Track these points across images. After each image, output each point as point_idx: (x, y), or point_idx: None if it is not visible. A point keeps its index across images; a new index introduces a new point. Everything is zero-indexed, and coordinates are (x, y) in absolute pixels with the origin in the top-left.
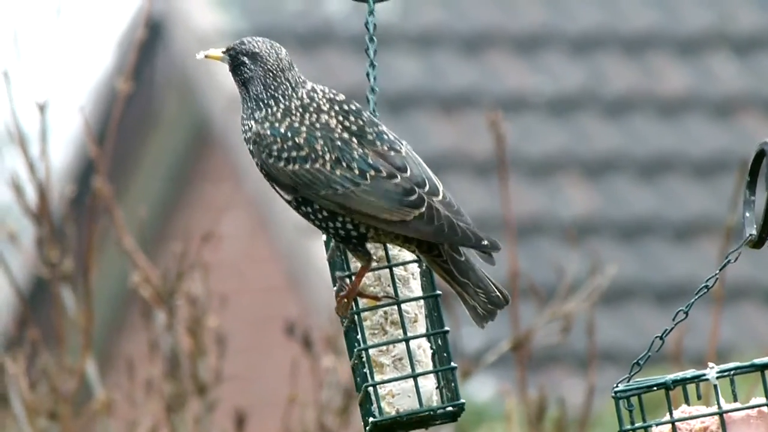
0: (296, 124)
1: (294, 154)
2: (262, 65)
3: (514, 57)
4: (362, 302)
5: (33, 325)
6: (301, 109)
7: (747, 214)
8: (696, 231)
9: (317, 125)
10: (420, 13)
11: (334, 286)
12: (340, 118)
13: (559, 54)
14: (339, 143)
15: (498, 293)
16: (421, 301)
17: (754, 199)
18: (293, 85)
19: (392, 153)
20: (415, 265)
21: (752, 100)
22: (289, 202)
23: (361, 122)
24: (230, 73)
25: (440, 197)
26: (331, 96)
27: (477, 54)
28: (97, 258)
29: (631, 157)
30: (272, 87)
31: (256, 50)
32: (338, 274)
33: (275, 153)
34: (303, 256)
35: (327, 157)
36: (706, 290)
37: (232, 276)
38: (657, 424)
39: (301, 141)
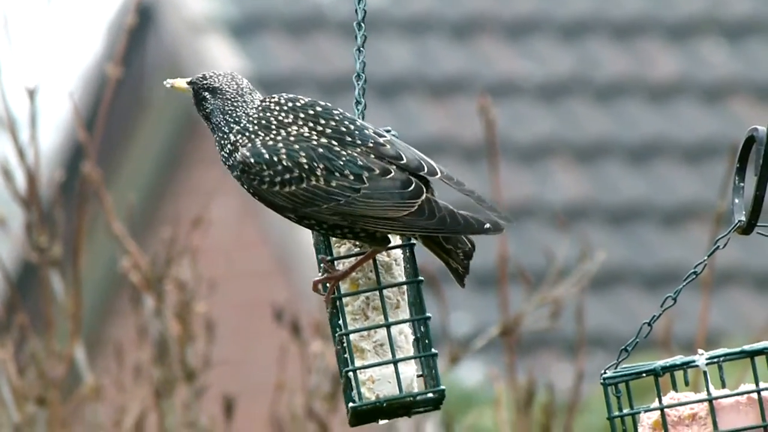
0: (270, 142)
1: (287, 176)
2: (221, 97)
3: (505, 42)
4: (344, 287)
5: (21, 310)
6: (265, 127)
7: (736, 200)
8: (686, 216)
9: (291, 138)
10: None
11: (320, 271)
12: (310, 124)
13: (549, 39)
14: (321, 150)
15: (470, 247)
16: (404, 288)
17: (743, 186)
18: (251, 106)
19: (381, 147)
20: (398, 251)
21: (743, 86)
22: (288, 218)
23: (333, 123)
24: (194, 106)
25: (439, 174)
26: (291, 104)
27: (467, 39)
28: (86, 243)
29: (621, 142)
30: (230, 113)
31: (216, 85)
32: (321, 257)
33: (267, 179)
34: (292, 241)
35: (318, 172)
36: (694, 276)
37: (220, 261)
38: (645, 411)
39: (286, 161)
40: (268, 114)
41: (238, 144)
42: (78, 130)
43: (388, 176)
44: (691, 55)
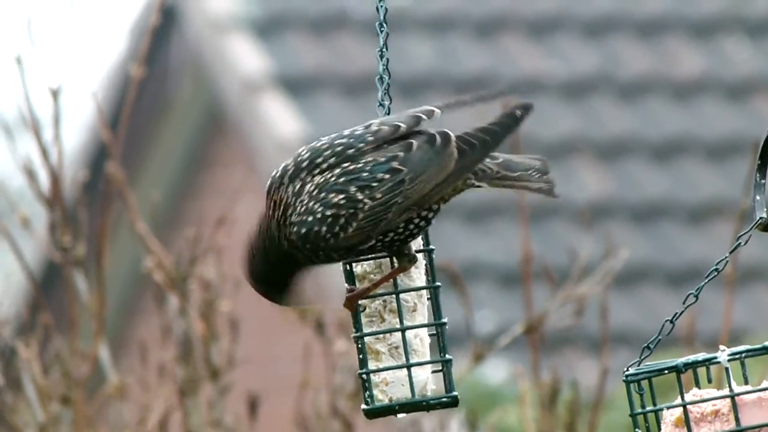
0: (302, 209)
1: (342, 221)
2: (263, 244)
3: (528, 41)
4: (362, 288)
5: (46, 309)
6: (285, 209)
7: (758, 197)
8: (709, 214)
9: (314, 193)
10: None
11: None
12: (314, 171)
13: (573, 37)
14: (343, 179)
15: (540, 162)
16: (422, 290)
17: (764, 182)
18: (270, 218)
19: (378, 134)
20: (420, 255)
21: (766, 83)
22: (371, 249)
23: (328, 152)
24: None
25: (438, 111)
26: (287, 179)
27: (491, 38)
28: (110, 243)
29: (644, 140)
30: (268, 240)
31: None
32: (346, 286)
33: (328, 235)
34: None
35: (359, 195)
36: (716, 273)
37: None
38: (668, 408)
39: (326, 210)
40: (280, 202)
41: (284, 238)
42: (101, 129)
43: (413, 146)
44: (715, 53)
